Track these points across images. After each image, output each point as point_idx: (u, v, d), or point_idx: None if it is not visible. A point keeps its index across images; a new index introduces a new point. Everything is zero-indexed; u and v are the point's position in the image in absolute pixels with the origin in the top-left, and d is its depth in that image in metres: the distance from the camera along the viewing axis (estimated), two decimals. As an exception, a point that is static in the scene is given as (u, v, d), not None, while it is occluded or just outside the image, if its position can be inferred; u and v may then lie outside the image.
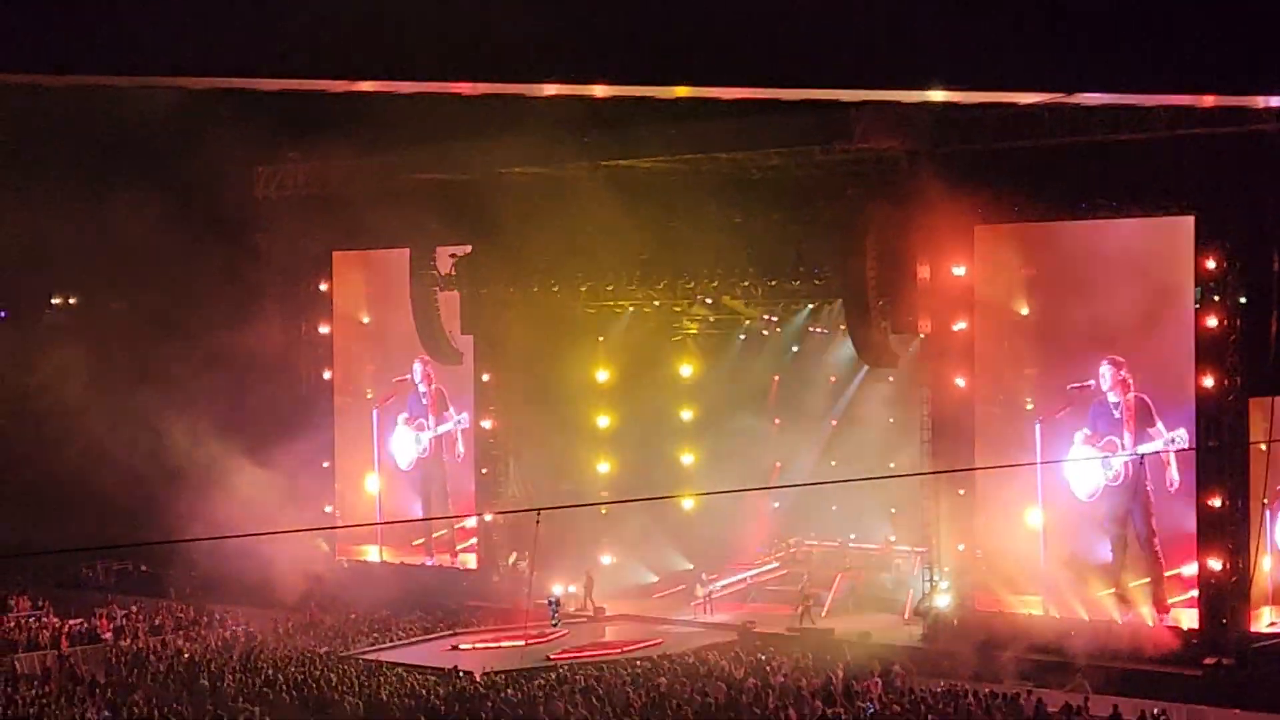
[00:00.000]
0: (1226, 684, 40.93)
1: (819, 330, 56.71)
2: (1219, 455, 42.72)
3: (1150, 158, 42.85)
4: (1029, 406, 45.84)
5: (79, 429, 56.40)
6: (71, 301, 69.48)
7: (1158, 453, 43.10)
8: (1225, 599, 42.85)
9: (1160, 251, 43.73)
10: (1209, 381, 42.73)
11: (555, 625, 48.96)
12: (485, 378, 57.08)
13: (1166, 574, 43.46)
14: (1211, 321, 42.79)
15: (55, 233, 56.52)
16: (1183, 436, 43.01)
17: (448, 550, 57.83)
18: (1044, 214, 45.61)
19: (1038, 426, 45.13)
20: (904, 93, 13.77)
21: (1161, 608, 43.53)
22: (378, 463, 58.98)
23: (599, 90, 12.62)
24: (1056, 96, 13.45)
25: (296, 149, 58.15)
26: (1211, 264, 42.66)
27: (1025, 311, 45.66)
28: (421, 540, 57.92)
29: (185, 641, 48.45)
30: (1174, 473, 43.46)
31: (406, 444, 58.40)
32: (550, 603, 50.47)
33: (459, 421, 57.20)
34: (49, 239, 57.29)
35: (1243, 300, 42.73)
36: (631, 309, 56.01)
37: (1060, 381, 45.07)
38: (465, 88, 12.41)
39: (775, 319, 56.82)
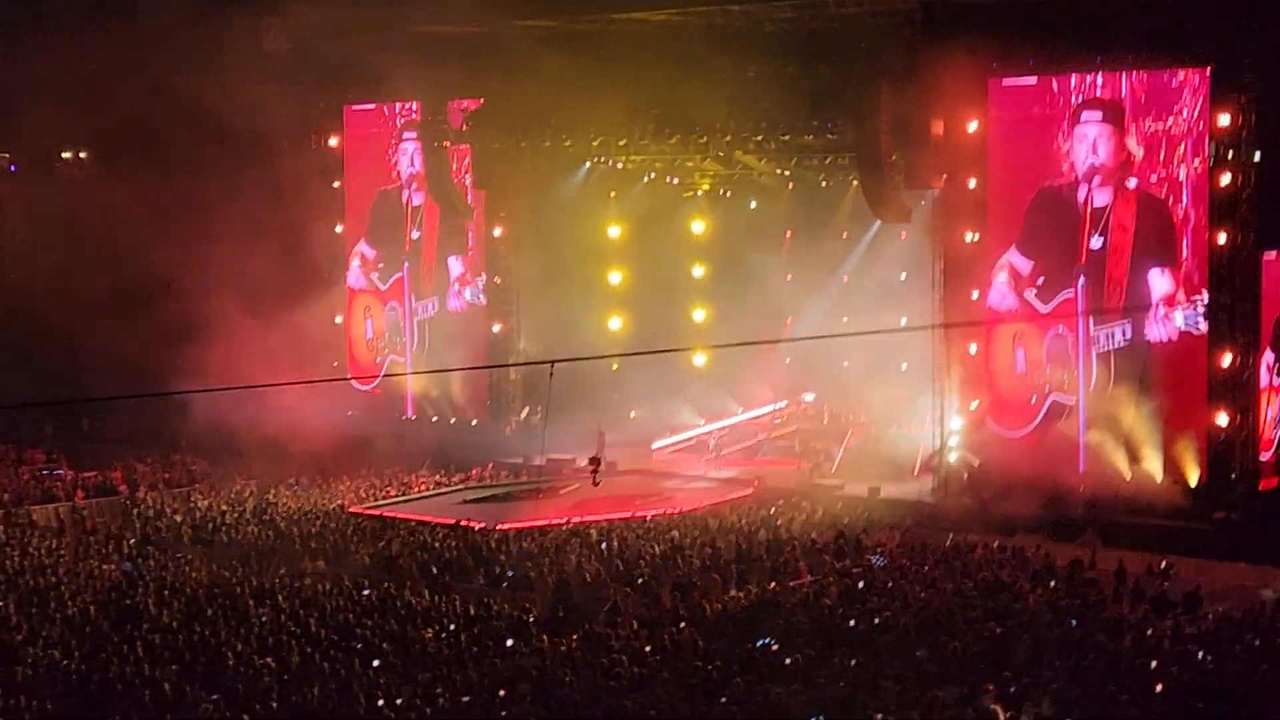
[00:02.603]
0: (1234, 538, 41.13)
1: (832, 185, 56.48)
2: (1230, 312, 42.66)
3: (1166, 10, 42.38)
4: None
5: (89, 283, 56.61)
6: (81, 155, 69.26)
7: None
8: (1233, 454, 42.97)
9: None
10: (1222, 238, 42.56)
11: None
12: (497, 232, 56.99)
13: (1175, 429, 43.56)
14: (1225, 179, 42.56)
15: (62, 87, 56.33)
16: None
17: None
18: (1058, 67, 45.20)
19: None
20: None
21: (1170, 462, 43.64)
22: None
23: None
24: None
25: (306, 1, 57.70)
26: (1225, 119, 42.35)
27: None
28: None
29: (200, 495, 48.68)
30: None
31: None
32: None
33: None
34: (57, 93, 57.11)
35: (1257, 156, 42.44)
36: (643, 164, 55.82)
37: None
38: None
39: (788, 174, 56.57)
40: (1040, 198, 45.34)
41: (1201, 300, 42.77)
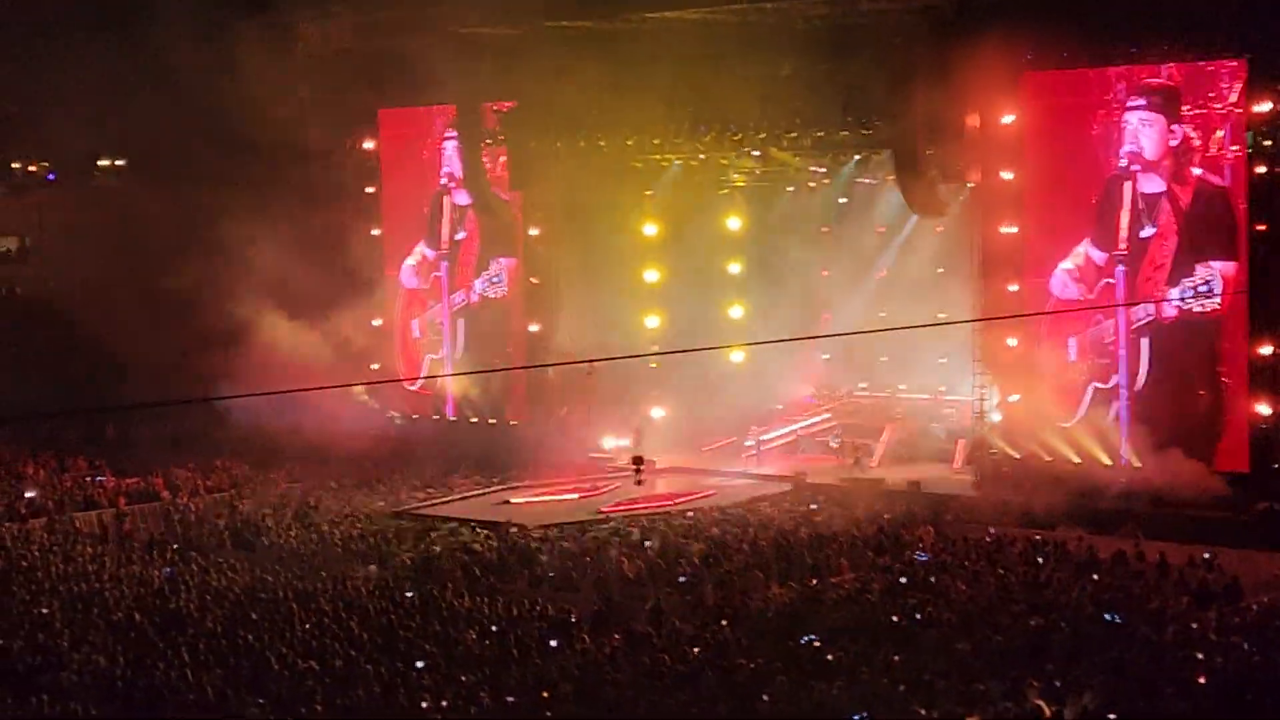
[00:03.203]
0: (1278, 529, 40.95)
1: (867, 180, 56.41)
2: (1270, 301, 42.51)
3: (1203, 0, 42.31)
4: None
5: (127, 290, 56.80)
6: (118, 163, 69.51)
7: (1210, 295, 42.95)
8: (1276, 444, 42.79)
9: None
10: (1260, 227, 42.41)
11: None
12: (533, 232, 57.07)
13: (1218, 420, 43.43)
14: (1261, 169, 42.42)
15: (100, 93, 56.56)
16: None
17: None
18: (1093, 59, 45.12)
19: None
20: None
21: (1213, 454, 43.48)
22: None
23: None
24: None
25: (341, 4, 57.80)
26: (1264, 108, 42.20)
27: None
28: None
29: (241, 500, 48.81)
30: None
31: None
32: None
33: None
34: (94, 100, 57.35)
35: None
36: (678, 162, 55.79)
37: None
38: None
39: (823, 170, 56.51)
40: (1105, 188, 45.14)
41: (1203, 278, 42.62)
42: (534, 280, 57.14)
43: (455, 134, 57.56)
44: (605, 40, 51.40)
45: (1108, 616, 31.55)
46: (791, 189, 58.92)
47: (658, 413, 55.77)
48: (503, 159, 56.27)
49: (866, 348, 56.73)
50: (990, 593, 33.87)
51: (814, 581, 36.23)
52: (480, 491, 50.88)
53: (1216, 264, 43.02)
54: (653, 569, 37.66)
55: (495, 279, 57.80)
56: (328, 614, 33.51)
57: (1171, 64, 43.64)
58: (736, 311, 59.37)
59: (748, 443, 54.10)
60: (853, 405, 57.81)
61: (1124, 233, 44.59)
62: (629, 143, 54.04)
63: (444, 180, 58.59)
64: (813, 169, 56.37)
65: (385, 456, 54.47)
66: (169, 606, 34.76)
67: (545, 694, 27.61)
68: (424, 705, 27.16)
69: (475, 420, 58.03)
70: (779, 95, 49.84)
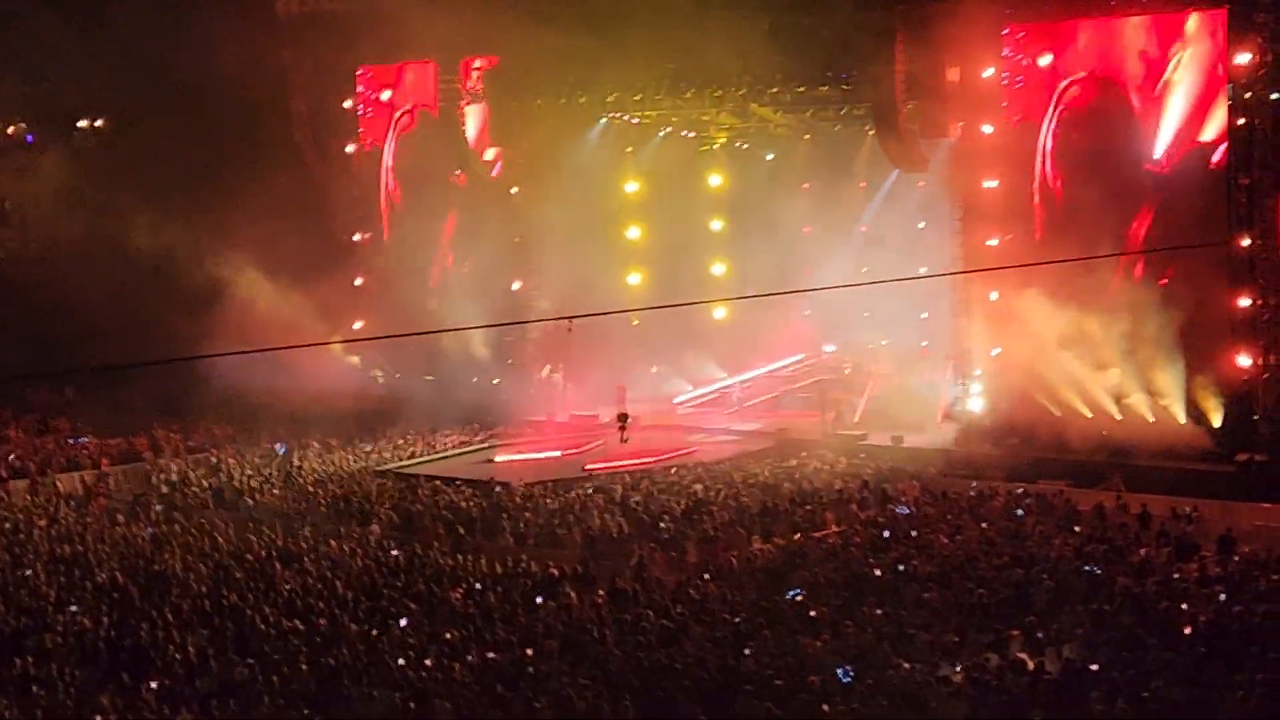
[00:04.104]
0: (1259, 480, 41.06)
1: (846, 133, 56.32)
2: (1250, 253, 42.56)
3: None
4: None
5: (107, 251, 56.58)
6: (97, 124, 69.19)
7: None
8: (1257, 396, 42.90)
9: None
10: (1243, 180, 42.45)
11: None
12: (514, 190, 56.98)
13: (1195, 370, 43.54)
14: (1242, 119, 42.44)
15: (77, 56, 56.30)
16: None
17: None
18: (1073, 11, 45.08)
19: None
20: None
21: (1193, 405, 43.58)
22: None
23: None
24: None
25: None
26: (1244, 59, 42.19)
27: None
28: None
29: (225, 459, 48.77)
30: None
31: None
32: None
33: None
34: (71, 60, 57.07)
35: (1275, 96, 42.27)
36: (666, 131, 55.84)
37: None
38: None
39: (804, 126, 56.42)
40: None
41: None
42: (515, 239, 57.04)
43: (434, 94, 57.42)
44: (585, -4, 51.34)
45: (1088, 568, 31.63)
46: (773, 145, 58.89)
47: (640, 371, 55.76)
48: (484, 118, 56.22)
49: (848, 304, 56.73)
50: (972, 546, 33.95)
51: (797, 536, 36.29)
52: (464, 450, 50.90)
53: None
54: (637, 525, 37.70)
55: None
56: (311, 574, 33.53)
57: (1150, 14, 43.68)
58: (719, 269, 59.38)
59: (731, 399, 54.15)
60: (834, 361, 57.77)
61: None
62: (609, 99, 53.96)
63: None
64: (794, 124, 56.29)
65: (368, 415, 54.42)
66: (153, 568, 34.75)
67: (529, 651, 27.65)
68: (403, 662, 27.15)
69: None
70: (759, 50, 49.79)
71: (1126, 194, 44.19)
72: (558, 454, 49.27)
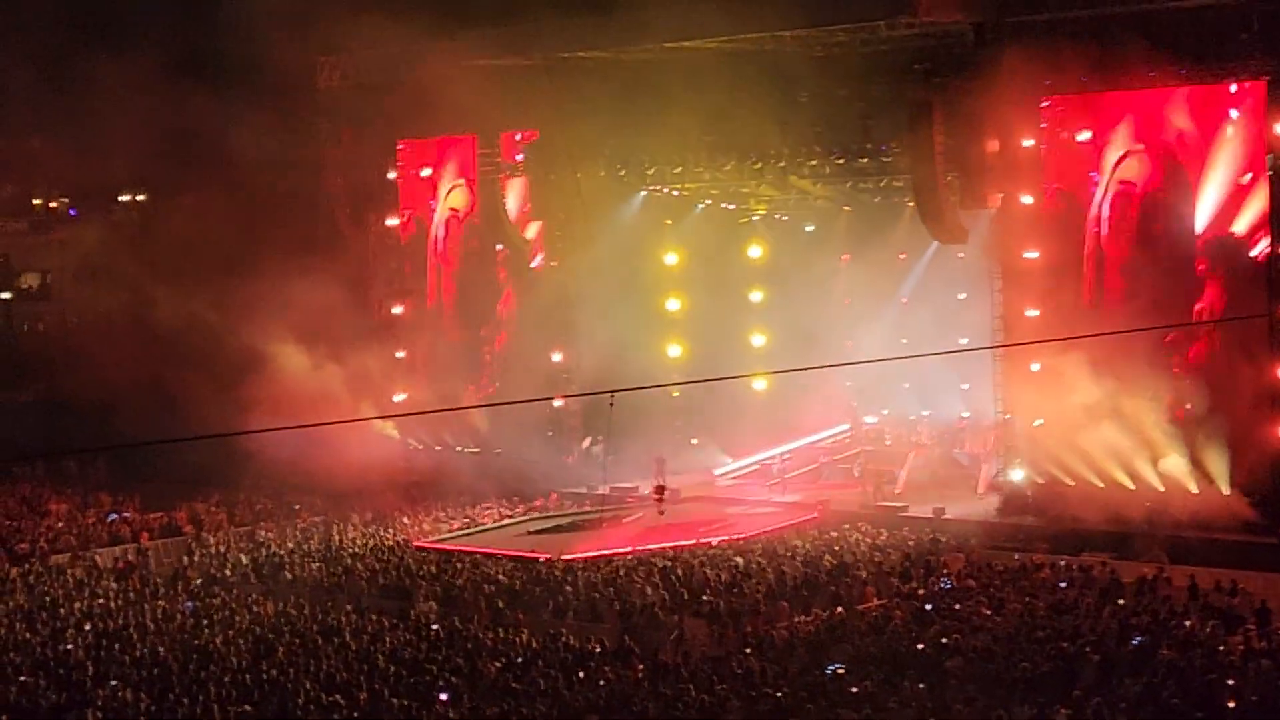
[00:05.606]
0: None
1: (886, 204, 56.29)
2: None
3: (1221, 22, 42.27)
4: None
5: (145, 323, 56.77)
6: (139, 198, 69.63)
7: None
8: (1301, 467, 42.68)
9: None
10: (1280, 250, 42.40)
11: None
12: (554, 264, 57.09)
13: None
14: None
15: (119, 128, 56.66)
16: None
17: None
18: (1112, 83, 45.08)
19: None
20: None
21: (1237, 476, 43.30)
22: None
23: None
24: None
25: (358, 38, 57.85)
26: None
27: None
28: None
29: (265, 533, 48.74)
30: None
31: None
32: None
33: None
34: (113, 135, 57.44)
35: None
36: (706, 203, 56.07)
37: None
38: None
39: (843, 197, 56.46)
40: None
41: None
42: (556, 311, 57.06)
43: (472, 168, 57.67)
44: (624, 70, 51.57)
45: (1135, 641, 31.40)
46: (812, 216, 59.02)
47: (680, 442, 55.70)
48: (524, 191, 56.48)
49: (889, 375, 56.50)
50: (1016, 619, 33.74)
51: (838, 610, 36.11)
52: (504, 522, 50.75)
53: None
54: (677, 599, 37.56)
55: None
56: (352, 648, 33.46)
57: (1189, 86, 43.67)
58: (759, 340, 59.34)
59: (772, 471, 53.95)
60: (875, 432, 57.58)
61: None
62: (649, 172, 54.14)
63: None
64: (833, 196, 56.33)
65: (408, 488, 54.33)
66: (194, 642, 34.72)
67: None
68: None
69: (499, 451, 57.73)
70: (798, 122, 50.02)
71: (1176, 265, 44.13)
72: (599, 526, 48.62)
